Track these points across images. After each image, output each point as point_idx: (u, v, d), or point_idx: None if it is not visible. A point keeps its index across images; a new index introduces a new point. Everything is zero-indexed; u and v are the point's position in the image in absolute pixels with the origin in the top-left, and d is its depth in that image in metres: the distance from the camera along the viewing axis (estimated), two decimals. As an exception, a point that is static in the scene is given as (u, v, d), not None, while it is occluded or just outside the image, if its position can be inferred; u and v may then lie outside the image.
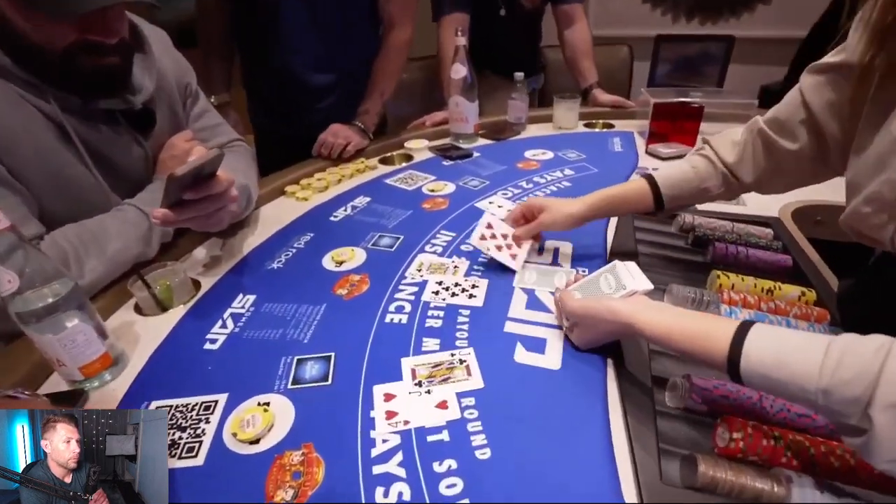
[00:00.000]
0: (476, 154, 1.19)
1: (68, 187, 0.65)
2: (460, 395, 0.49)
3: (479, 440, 0.44)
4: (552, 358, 0.54)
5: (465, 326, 0.59)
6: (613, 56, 1.99)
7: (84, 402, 0.51)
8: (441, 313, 0.61)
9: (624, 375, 0.51)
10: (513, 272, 0.69)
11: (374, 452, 0.43)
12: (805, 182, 0.61)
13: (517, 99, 1.33)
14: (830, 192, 0.70)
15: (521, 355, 0.54)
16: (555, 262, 0.72)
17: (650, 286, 0.52)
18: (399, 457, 0.43)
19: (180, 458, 0.44)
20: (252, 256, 0.78)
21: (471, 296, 0.65)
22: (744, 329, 0.39)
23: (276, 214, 0.92)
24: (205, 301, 0.67)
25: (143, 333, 0.62)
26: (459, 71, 1.16)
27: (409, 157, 1.20)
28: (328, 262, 0.75)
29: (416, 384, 0.50)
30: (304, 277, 0.71)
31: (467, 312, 0.61)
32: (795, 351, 0.36)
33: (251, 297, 0.67)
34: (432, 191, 0.99)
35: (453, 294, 0.65)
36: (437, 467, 0.42)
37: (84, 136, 0.65)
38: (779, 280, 0.64)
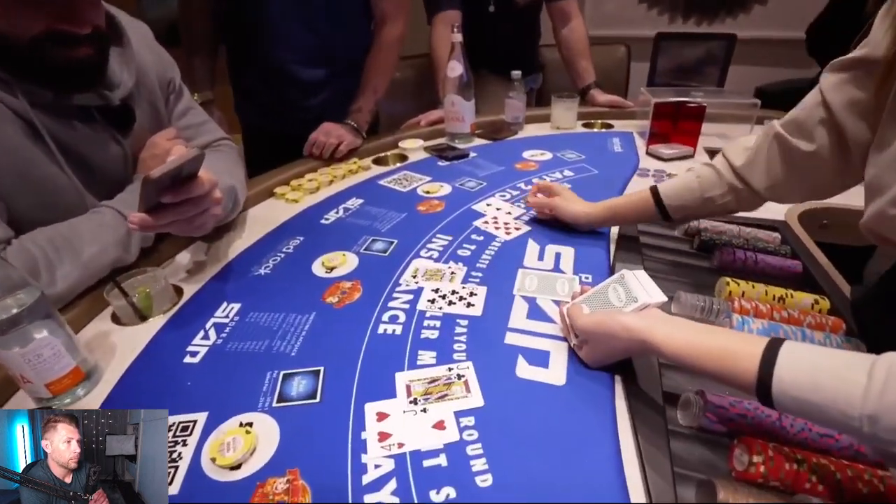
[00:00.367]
0: (473, 154, 1.15)
1: (39, 188, 0.61)
2: (459, 414, 0.45)
3: (479, 465, 0.41)
4: (556, 372, 0.50)
5: (463, 338, 0.56)
6: (610, 56, 1.97)
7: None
8: (437, 323, 0.58)
9: (633, 391, 0.47)
10: (512, 279, 0.66)
11: (366, 479, 0.40)
12: (821, 190, 0.57)
13: (514, 98, 1.30)
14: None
15: (524, 369, 0.51)
16: (556, 268, 0.69)
17: (664, 298, 0.49)
18: (392, 484, 0.39)
19: (153, 485, 0.40)
20: (238, 262, 0.74)
21: (469, 304, 0.61)
22: (773, 348, 0.36)
23: (265, 217, 0.88)
24: (186, 310, 0.63)
25: (120, 344, 0.58)
26: (455, 69, 1.13)
27: (403, 158, 1.16)
28: (318, 268, 0.71)
29: (411, 402, 0.47)
30: (293, 284, 0.67)
31: (465, 322, 0.58)
32: (834, 372, 0.33)
33: (236, 306, 0.63)
34: (428, 192, 0.95)
35: (450, 302, 0.62)
36: (435, 496, 0.38)
37: (56, 134, 0.61)
38: (790, 287, 0.61)
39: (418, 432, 0.44)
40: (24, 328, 0.46)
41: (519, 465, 0.41)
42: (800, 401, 0.34)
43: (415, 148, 1.19)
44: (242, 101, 1.28)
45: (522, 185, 0.97)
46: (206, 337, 0.57)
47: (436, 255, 0.73)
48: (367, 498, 0.39)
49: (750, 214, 0.83)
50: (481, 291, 0.64)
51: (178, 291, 0.67)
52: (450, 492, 0.39)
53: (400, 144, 1.21)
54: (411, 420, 0.45)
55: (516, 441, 0.43)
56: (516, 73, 1.27)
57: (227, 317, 0.61)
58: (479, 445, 0.42)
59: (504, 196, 0.93)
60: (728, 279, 0.61)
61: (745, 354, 0.37)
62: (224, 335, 0.58)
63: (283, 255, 0.75)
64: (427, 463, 0.41)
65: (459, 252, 0.74)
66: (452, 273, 0.68)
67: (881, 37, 0.44)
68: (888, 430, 0.30)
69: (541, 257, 0.72)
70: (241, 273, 0.71)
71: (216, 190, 0.60)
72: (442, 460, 0.41)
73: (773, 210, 0.82)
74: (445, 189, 0.96)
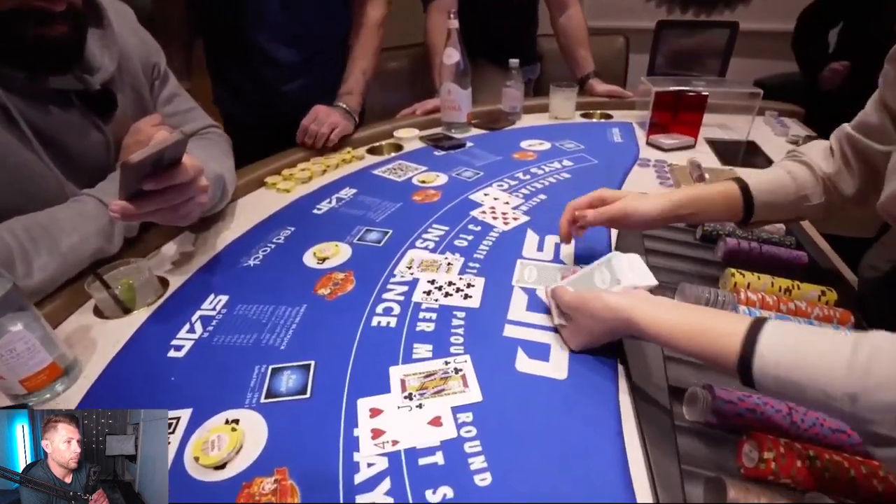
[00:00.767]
0: (469, 144, 1.13)
1: (16, 176, 0.58)
2: (456, 410, 0.43)
3: (477, 463, 0.39)
4: (557, 365, 0.48)
5: (461, 330, 0.53)
6: (608, 47, 1.94)
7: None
8: (433, 315, 0.56)
9: (637, 385, 0.45)
10: (511, 270, 0.64)
11: (358, 479, 0.38)
12: None
13: (512, 87, 1.27)
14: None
15: (523, 363, 0.49)
16: (556, 259, 0.67)
17: (653, 282, 0.47)
18: (386, 484, 0.37)
19: (133, 487, 0.38)
20: (226, 252, 0.71)
21: (466, 296, 0.59)
22: (757, 325, 0.35)
23: (255, 207, 0.85)
24: (171, 302, 0.61)
25: (101, 338, 0.55)
26: (452, 56, 1.10)
27: (398, 147, 1.13)
28: (310, 259, 0.68)
29: (405, 397, 0.45)
30: (283, 275, 0.65)
31: (462, 315, 0.56)
32: (817, 349, 0.32)
33: (223, 298, 0.60)
34: (423, 182, 0.93)
35: (447, 294, 0.60)
36: (431, 496, 0.36)
37: (31, 120, 0.58)
38: (796, 278, 0.59)
39: (413, 429, 0.42)
40: (-5, 321, 0.43)
41: (519, 463, 0.39)
42: (781, 379, 0.32)
43: (410, 137, 1.16)
44: (220, 89, 1.24)
45: (521, 175, 0.95)
46: (191, 330, 0.55)
47: (432, 245, 0.71)
48: (360, 498, 0.36)
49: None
50: (479, 283, 0.61)
51: (164, 283, 0.64)
52: (447, 491, 0.37)
53: (395, 133, 1.18)
54: (406, 416, 0.43)
55: (516, 438, 0.41)
56: (514, 62, 1.24)
57: (214, 309, 0.58)
58: (477, 443, 0.40)
59: (502, 186, 0.90)
60: (734, 270, 0.59)
61: (728, 333, 0.36)
62: (211, 328, 0.55)
63: (273, 246, 0.72)
64: (423, 461, 0.39)
65: (456, 242, 0.71)
66: (449, 264, 0.66)
67: None
68: (869, 409, 0.29)
69: (540, 248, 0.69)
70: (229, 264, 0.68)
71: (202, 177, 0.58)
72: (438, 458, 0.39)
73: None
74: (442, 179, 0.94)
